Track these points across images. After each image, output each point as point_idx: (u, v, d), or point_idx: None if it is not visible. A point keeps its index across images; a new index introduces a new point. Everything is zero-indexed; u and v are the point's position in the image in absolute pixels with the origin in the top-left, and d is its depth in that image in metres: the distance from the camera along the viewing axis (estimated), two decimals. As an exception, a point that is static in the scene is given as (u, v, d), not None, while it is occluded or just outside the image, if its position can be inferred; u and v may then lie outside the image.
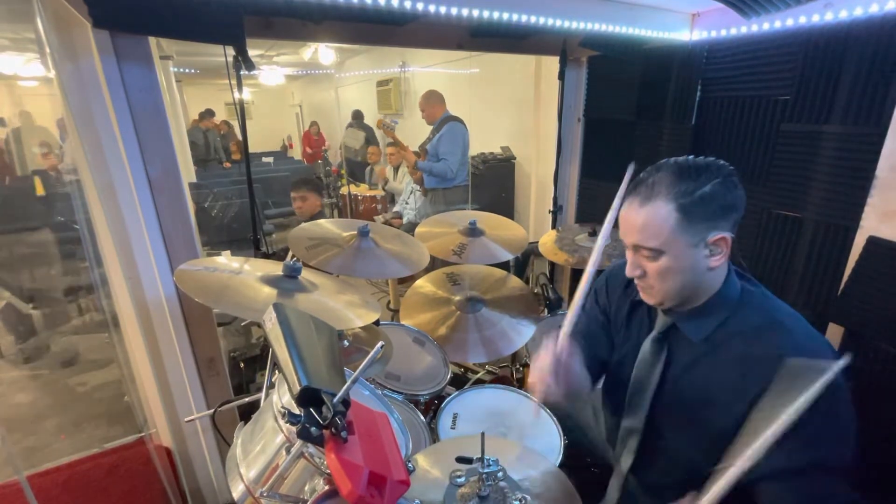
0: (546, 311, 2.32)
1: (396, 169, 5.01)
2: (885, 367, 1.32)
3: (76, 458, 1.58)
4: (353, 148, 6.65)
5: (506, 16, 1.57)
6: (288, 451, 0.69)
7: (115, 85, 1.26)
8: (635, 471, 1.11)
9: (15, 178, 5.81)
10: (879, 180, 1.31)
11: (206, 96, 9.74)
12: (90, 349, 3.30)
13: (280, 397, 0.73)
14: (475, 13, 1.52)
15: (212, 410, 1.27)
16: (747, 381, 0.87)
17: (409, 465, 0.77)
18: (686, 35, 1.91)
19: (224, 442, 1.55)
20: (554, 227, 2.47)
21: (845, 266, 1.41)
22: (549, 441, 1.28)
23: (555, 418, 1.33)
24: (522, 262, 2.72)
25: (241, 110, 1.65)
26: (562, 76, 2.23)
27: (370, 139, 6.70)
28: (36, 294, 3.63)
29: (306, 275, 1.35)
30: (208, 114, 7.55)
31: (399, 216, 4.35)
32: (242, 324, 2.38)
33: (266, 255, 1.80)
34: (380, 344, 0.74)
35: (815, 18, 1.45)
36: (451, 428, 1.34)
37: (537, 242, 2.16)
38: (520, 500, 0.94)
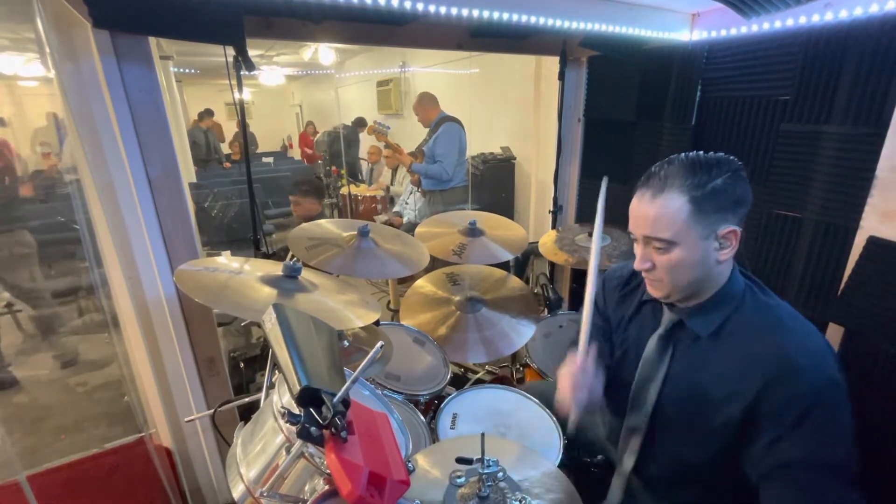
0: (546, 311, 2.32)
1: (395, 170, 5.01)
2: (885, 367, 1.32)
3: (76, 458, 1.58)
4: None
5: (506, 16, 1.57)
6: (288, 451, 0.69)
7: (115, 85, 1.26)
8: (637, 469, 1.11)
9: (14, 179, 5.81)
10: (879, 180, 1.31)
11: (206, 96, 9.74)
12: (89, 349, 3.30)
13: (280, 397, 0.73)
14: (475, 13, 1.52)
15: (212, 410, 1.27)
16: (747, 378, 0.88)
17: (409, 465, 0.77)
18: (686, 35, 1.91)
19: (224, 442, 1.55)
20: (554, 227, 2.47)
21: (845, 266, 1.41)
22: (549, 441, 1.28)
23: (555, 419, 1.33)
24: (522, 262, 2.72)
25: (241, 110, 1.65)
26: (562, 76, 2.23)
27: (348, 143, 6.72)
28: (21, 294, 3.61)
29: (306, 275, 1.35)
30: (207, 113, 7.55)
31: (400, 215, 4.35)
32: (242, 324, 2.38)
33: (266, 255, 1.80)
34: (379, 344, 0.74)
35: (815, 18, 1.45)
36: (451, 428, 1.34)
37: (537, 242, 2.16)
38: (520, 501, 0.94)
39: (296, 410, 0.66)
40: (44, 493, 1.44)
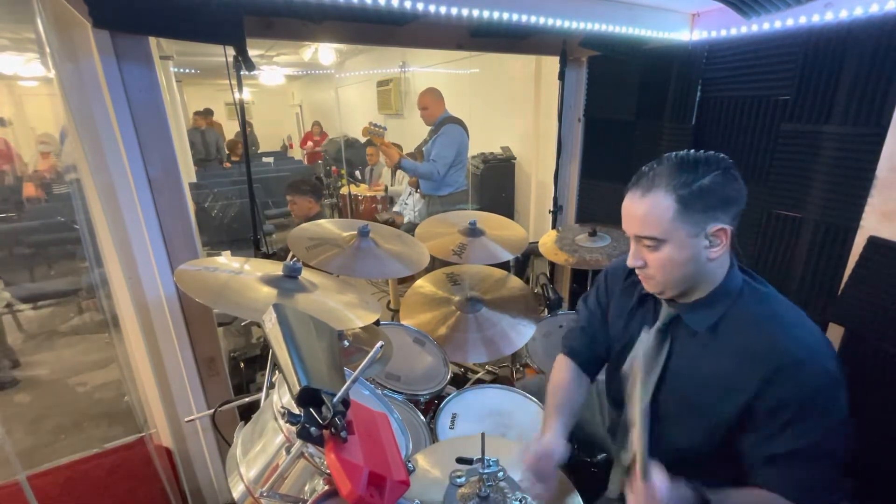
0: (546, 311, 2.32)
1: (394, 171, 5.01)
2: (885, 367, 1.32)
3: (76, 458, 1.58)
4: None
5: (506, 16, 1.57)
6: (288, 451, 0.69)
7: (115, 85, 1.26)
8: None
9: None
10: (879, 180, 1.31)
11: (206, 96, 9.75)
12: (88, 350, 3.30)
13: (280, 397, 0.73)
14: (475, 13, 1.52)
15: (212, 410, 1.27)
16: (744, 372, 0.89)
17: (409, 465, 0.77)
18: (686, 35, 1.91)
19: (224, 442, 1.55)
20: (554, 227, 2.47)
21: (845, 266, 1.41)
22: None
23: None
24: (522, 262, 2.72)
25: (241, 110, 1.65)
26: (562, 76, 2.23)
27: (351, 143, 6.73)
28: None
29: (306, 275, 1.35)
30: (205, 113, 7.54)
31: (401, 214, 4.35)
32: (242, 324, 2.38)
33: (266, 255, 1.80)
34: (379, 344, 0.74)
35: (815, 18, 1.45)
36: (450, 428, 1.34)
37: (537, 242, 2.16)
38: (520, 500, 0.94)
39: (296, 410, 0.66)
40: (44, 493, 1.44)
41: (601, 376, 1.30)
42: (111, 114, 1.28)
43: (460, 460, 0.99)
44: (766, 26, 1.59)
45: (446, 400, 1.44)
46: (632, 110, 2.18)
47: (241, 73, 1.48)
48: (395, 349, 1.63)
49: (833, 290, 1.45)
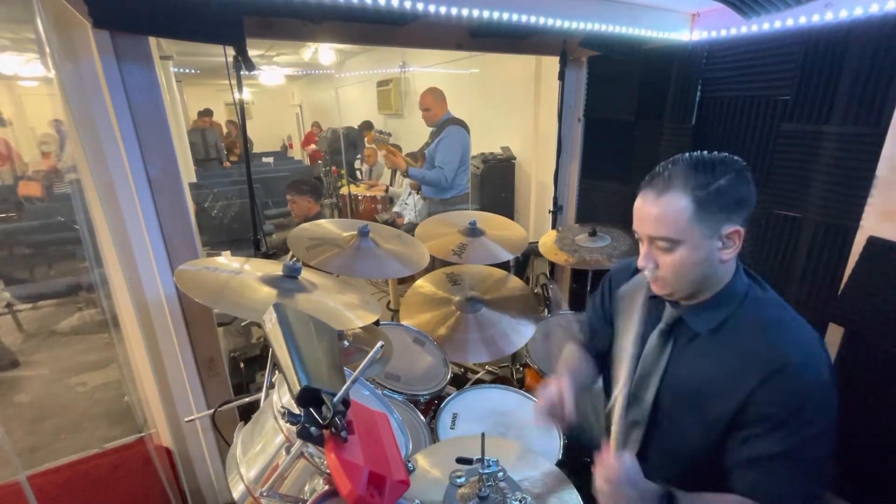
0: (546, 311, 2.32)
1: (394, 172, 5.00)
2: (885, 366, 1.32)
3: (76, 458, 1.58)
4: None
5: (506, 16, 1.57)
6: (288, 451, 0.69)
7: (115, 85, 1.26)
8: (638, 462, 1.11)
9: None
10: (879, 180, 1.31)
11: (206, 96, 9.75)
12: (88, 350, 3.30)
13: (280, 397, 0.73)
14: (475, 13, 1.52)
15: (212, 410, 1.27)
16: (742, 374, 0.89)
17: (409, 465, 0.77)
18: (686, 35, 1.91)
19: (224, 442, 1.55)
20: (554, 227, 2.46)
21: (845, 266, 1.41)
22: (549, 441, 1.28)
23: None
24: (522, 262, 2.72)
25: (241, 110, 1.65)
26: (562, 76, 2.23)
27: (354, 142, 6.72)
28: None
29: (306, 275, 1.35)
30: (207, 113, 7.55)
31: (401, 215, 4.35)
32: (242, 324, 2.38)
33: (266, 255, 1.80)
34: (379, 344, 0.74)
35: (815, 18, 1.45)
36: (451, 428, 1.34)
37: (537, 242, 2.16)
38: (520, 500, 0.94)
39: (296, 410, 0.66)
40: (44, 493, 1.44)
41: (600, 381, 1.31)
42: (111, 114, 1.28)
43: (460, 460, 0.99)
44: (765, 26, 1.59)
45: (447, 400, 1.44)
46: (632, 110, 2.18)
47: (241, 73, 1.48)
48: (395, 349, 1.63)
49: (833, 290, 1.45)
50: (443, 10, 1.47)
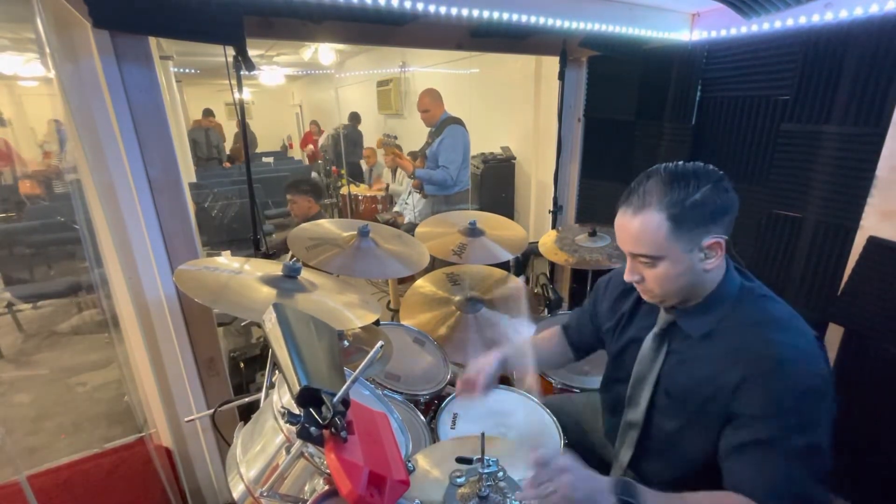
0: (546, 311, 2.32)
1: (395, 171, 5.01)
2: (885, 367, 1.32)
3: (76, 458, 1.58)
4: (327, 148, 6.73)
5: (506, 16, 1.57)
6: (288, 451, 0.69)
7: (115, 85, 1.26)
8: (634, 466, 1.12)
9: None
10: (879, 180, 1.31)
11: (206, 96, 9.74)
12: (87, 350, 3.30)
13: (280, 397, 0.73)
14: (475, 13, 1.52)
15: (212, 410, 1.27)
16: (736, 370, 0.89)
17: (409, 465, 0.77)
18: (686, 35, 1.91)
19: (224, 442, 1.55)
20: (554, 227, 2.46)
21: (845, 266, 1.42)
22: (549, 441, 1.28)
23: (555, 419, 1.33)
24: (522, 262, 2.72)
25: (241, 110, 1.65)
26: (562, 76, 2.23)
27: (356, 141, 6.70)
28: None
29: (306, 275, 1.35)
30: (210, 113, 7.55)
31: (402, 214, 4.35)
32: (242, 324, 2.38)
33: (267, 255, 1.80)
34: (379, 344, 0.74)
35: (815, 18, 1.45)
36: (451, 428, 1.34)
37: (537, 242, 2.16)
38: (520, 501, 0.94)
39: (296, 410, 0.66)
40: (44, 493, 1.44)
41: (596, 384, 1.32)
42: (111, 114, 1.28)
43: (460, 460, 0.99)
44: (766, 26, 1.59)
45: (447, 400, 1.44)
46: (632, 110, 2.18)
47: (241, 73, 1.48)
48: (395, 349, 1.63)
49: (833, 290, 1.45)
50: (443, 10, 1.47)
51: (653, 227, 0.89)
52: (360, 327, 1.50)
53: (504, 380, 2.17)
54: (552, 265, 2.63)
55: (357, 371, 0.71)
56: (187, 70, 7.68)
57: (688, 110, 1.88)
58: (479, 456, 0.94)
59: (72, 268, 4.04)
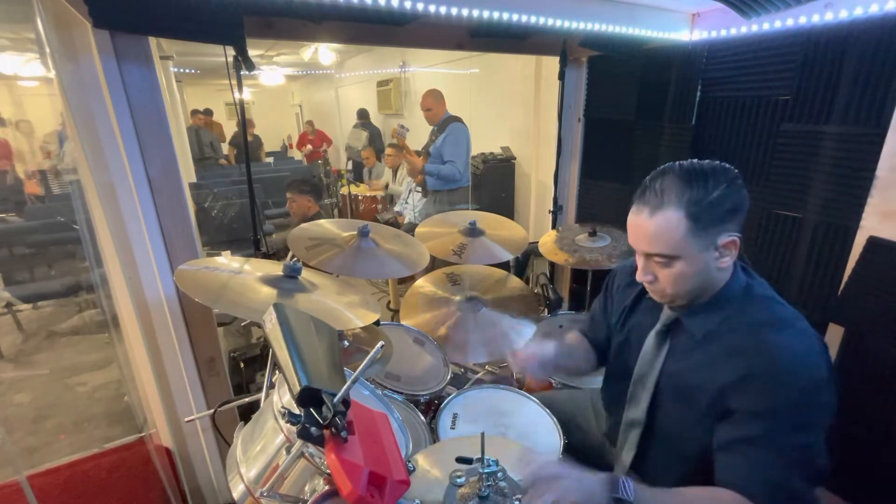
0: (546, 311, 2.32)
1: (395, 171, 5.01)
2: (885, 366, 1.32)
3: (76, 458, 1.58)
4: (356, 148, 6.63)
5: (506, 16, 1.57)
6: (288, 451, 0.69)
7: (115, 85, 1.26)
8: (636, 465, 1.12)
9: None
10: (879, 180, 1.31)
11: (206, 96, 9.74)
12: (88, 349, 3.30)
13: (280, 397, 0.73)
14: (475, 13, 1.52)
15: (212, 410, 1.27)
16: (735, 369, 0.89)
17: (409, 465, 0.77)
18: (686, 35, 1.91)
19: (224, 442, 1.55)
20: (554, 227, 2.46)
21: (845, 266, 1.42)
22: (549, 441, 1.28)
23: (555, 419, 1.33)
24: (522, 262, 2.72)
25: (241, 110, 1.65)
26: (562, 76, 2.23)
27: (374, 138, 6.68)
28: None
29: (306, 275, 1.35)
30: (206, 112, 7.54)
31: (402, 214, 4.35)
32: (242, 324, 2.38)
33: (266, 255, 1.80)
34: (380, 344, 0.74)
35: (815, 18, 1.45)
36: (451, 428, 1.34)
37: (537, 242, 2.16)
38: (520, 500, 0.94)
39: (296, 410, 0.66)
40: (44, 493, 1.44)
41: (597, 383, 1.32)
42: (111, 114, 1.28)
43: (460, 460, 0.99)
44: (766, 26, 1.59)
45: (447, 400, 1.44)
46: (632, 110, 2.18)
47: (241, 73, 1.48)
48: (395, 349, 1.63)
49: (833, 290, 1.45)
50: (443, 10, 1.47)
51: (671, 227, 0.88)
52: (360, 327, 1.50)
53: (504, 379, 2.17)
54: (552, 265, 2.63)
55: (357, 371, 0.71)
56: (187, 70, 7.68)
57: (688, 110, 1.88)
58: (479, 456, 0.94)
59: (72, 268, 4.04)
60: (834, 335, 1.45)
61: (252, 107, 11.05)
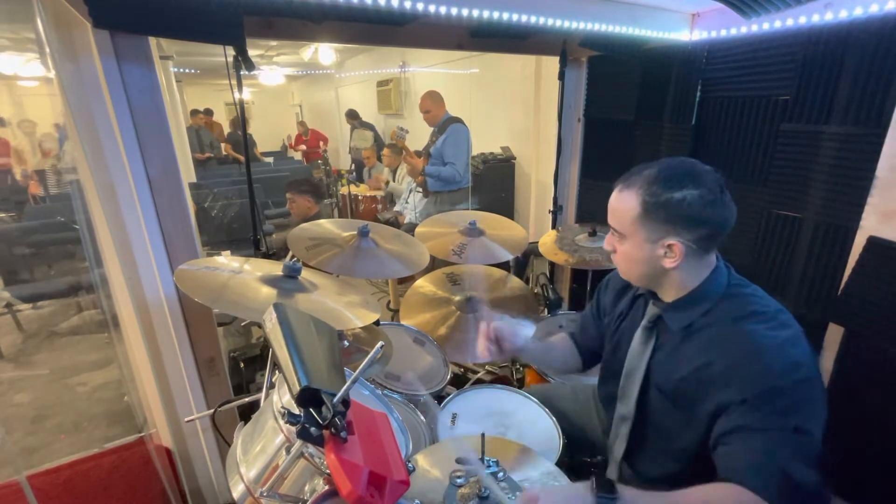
0: (546, 311, 2.32)
1: (395, 170, 5.01)
2: (885, 367, 1.32)
3: (76, 458, 1.58)
4: (363, 149, 6.60)
5: (506, 16, 1.57)
6: (288, 451, 0.69)
7: (115, 85, 1.26)
8: (629, 460, 1.14)
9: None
10: (879, 180, 1.31)
11: (206, 96, 9.74)
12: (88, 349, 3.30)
13: (280, 397, 0.73)
14: (475, 13, 1.52)
15: (212, 410, 1.27)
16: (716, 363, 0.91)
17: (409, 465, 0.77)
18: (686, 35, 1.90)
19: (224, 442, 1.55)
20: (554, 227, 2.46)
21: (845, 266, 1.41)
22: (549, 441, 1.28)
23: (554, 419, 1.33)
24: (522, 262, 2.72)
25: (241, 110, 1.65)
26: (562, 76, 2.23)
27: (375, 137, 6.68)
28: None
29: (306, 275, 1.35)
30: (206, 112, 7.54)
31: (402, 214, 4.35)
32: (242, 324, 2.38)
33: (266, 255, 1.80)
34: (379, 344, 0.74)
35: (815, 18, 1.45)
36: (451, 427, 1.34)
37: (537, 242, 2.16)
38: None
39: (296, 410, 0.66)
40: (44, 493, 1.44)
41: (594, 380, 1.33)
42: (111, 114, 1.28)
43: (460, 460, 0.99)
44: (766, 26, 1.59)
45: (446, 400, 1.44)
46: (632, 110, 2.18)
47: (241, 73, 1.48)
48: (395, 349, 1.63)
49: (833, 290, 1.45)
50: (443, 10, 1.47)
51: (625, 207, 0.95)
52: (360, 327, 1.50)
53: (504, 379, 2.17)
54: (552, 265, 2.63)
55: (357, 371, 0.71)
56: (187, 70, 7.68)
57: (688, 110, 1.88)
58: (480, 456, 0.94)
59: (72, 268, 4.04)
60: (834, 335, 1.45)
61: (252, 107, 11.05)
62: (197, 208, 4.30)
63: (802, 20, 1.48)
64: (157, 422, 1.67)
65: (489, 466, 0.94)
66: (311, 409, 0.65)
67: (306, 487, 0.71)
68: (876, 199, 1.32)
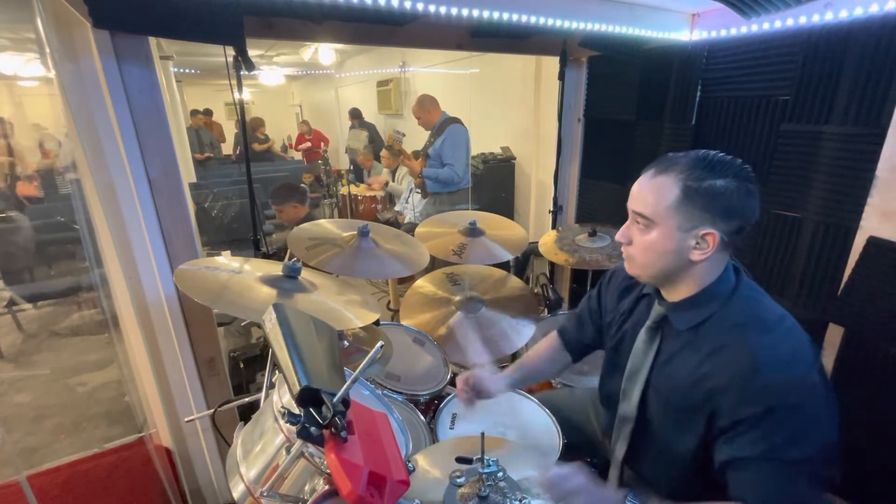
0: (546, 311, 2.32)
1: (394, 171, 5.01)
2: (885, 367, 1.32)
3: (76, 458, 1.58)
4: (357, 149, 6.61)
5: (506, 16, 1.57)
6: (288, 451, 0.69)
7: (115, 85, 1.26)
8: (630, 462, 1.13)
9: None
10: (879, 180, 1.31)
11: (206, 96, 9.74)
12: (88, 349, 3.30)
13: (280, 397, 0.73)
14: (475, 13, 1.52)
15: (212, 410, 1.27)
16: (715, 373, 0.89)
17: (409, 465, 0.77)
18: (686, 35, 1.91)
19: (224, 442, 1.55)
20: (554, 227, 2.47)
21: (845, 266, 1.42)
22: (549, 441, 1.28)
23: (554, 419, 1.33)
24: (522, 262, 2.72)
25: (241, 110, 1.65)
26: (562, 76, 2.23)
27: (373, 137, 6.68)
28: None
29: (306, 275, 1.35)
30: (206, 113, 7.54)
31: (402, 214, 4.35)
32: (242, 324, 2.38)
33: (266, 255, 1.80)
34: (379, 344, 0.74)
35: (815, 18, 1.45)
36: (451, 428, 1.34)
37: (537, 242, 2.16)
38: (520, 500, 0.94)
39: (296, 410, 0.66)
40: (44, 493, 1.44)
41: (592, 382, 1.32)
42: (111, 114, 1.28)
43: (460, 460, 0.99)
44: (766, 26, 1.59)
45: (447, 400, 1.44)
46: (632, 110, 2.18)
47: (241, 73, 1.48)
48: (395, 349, 1.63)
49: (833, 290, 1.45)
50: (443, 10, 1.47)
51: (662, 191, 0.90)
52: (360, 327, 1.50)
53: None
54: (552, 265, 2.63)
55: (357, 371, 0.71)
56: (187, 70, 7.68)
57: (688, 110, 1.88)
58: (479, 456, 0.94)
59: (72, 268, 4.04)
60: (834, 335, 1.45)
61: (252, 107, 11.04)
62: (197, 208, 4.30)
63: (802, 20, 1.48)
64: (157, 422, 1.67)
65: (489, 466, 0.94)
66: (311, 409, 0.65)
67: (306, 487, 0.71)
68: (876, 199, 1.32)
